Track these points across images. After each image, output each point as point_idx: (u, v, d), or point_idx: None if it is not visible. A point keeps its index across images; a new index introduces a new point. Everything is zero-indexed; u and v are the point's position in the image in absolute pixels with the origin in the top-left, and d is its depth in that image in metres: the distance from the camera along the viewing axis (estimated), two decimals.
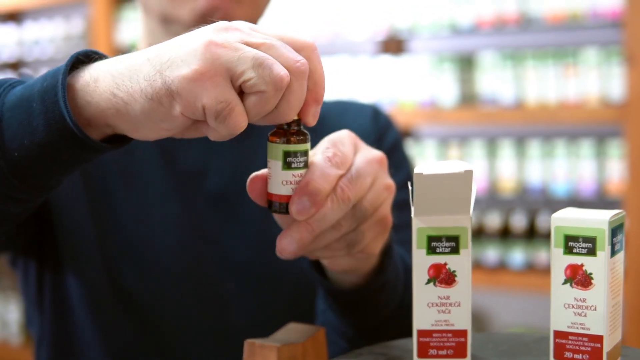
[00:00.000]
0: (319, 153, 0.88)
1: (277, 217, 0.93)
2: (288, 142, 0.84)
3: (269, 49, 0.79)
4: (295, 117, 0.83)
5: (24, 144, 0.83)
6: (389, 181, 0.94)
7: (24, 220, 1.16)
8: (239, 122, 0.78)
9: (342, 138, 0.91)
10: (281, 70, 0.77)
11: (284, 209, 0.86)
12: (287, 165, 0.85)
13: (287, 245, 0.88)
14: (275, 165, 0.85)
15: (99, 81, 0.82)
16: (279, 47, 0.79)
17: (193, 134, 0.84)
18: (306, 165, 0.86)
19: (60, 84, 0.82)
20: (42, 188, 0.89)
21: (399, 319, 1.10)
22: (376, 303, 1.06)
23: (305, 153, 0.86)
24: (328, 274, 1.04)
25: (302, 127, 0.85)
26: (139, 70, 0.80)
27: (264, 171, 0.88)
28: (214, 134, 0.81)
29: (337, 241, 0.92)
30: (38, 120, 0.82)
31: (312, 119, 0.83)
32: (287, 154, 0.85)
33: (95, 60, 0.85)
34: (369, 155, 0.91)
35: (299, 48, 0.80)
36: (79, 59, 0.85)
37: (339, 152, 0.89)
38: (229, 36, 0.79)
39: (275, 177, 0.86)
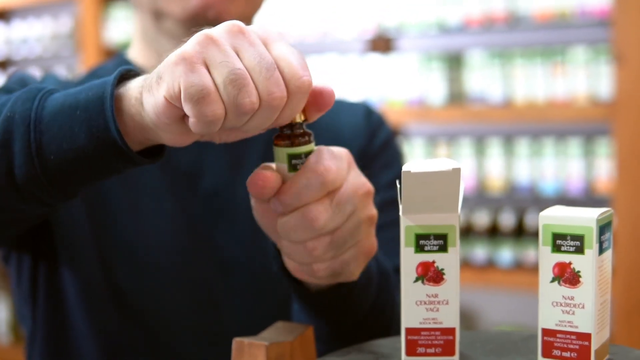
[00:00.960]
0: (314, 161, 0.87)
1: (254, 205, 0.92)
2: (292, 144, 0.85)
3: (253, 70, 0.78)
4: (300, 120, 0.84)
5: (62, 147, 0.85)
6: (373, 212, 0.93)
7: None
8: (214, 109, 0.77)
9: (341, 154, 0.90)
10: (246, 98, 0.77)
11: None
12: (293, 168, 0.86)
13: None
14: (281, 168, 0.86)
15: (135, 98, 0.84)
16: (265, 71, 0.78)
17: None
18: None
19: (108, 94, 0.83)
20: (69, 194, 0.90)
21: (372, 320, 1.09)
22: (347, 306, 1.05)
23: (309, 154, 0.86)
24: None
25: (304, 127, 0.85)
26: (151, 72, 0.82)
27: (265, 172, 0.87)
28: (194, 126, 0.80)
29: (322, 269, 0.91)
30: (80, 127, 0.84)
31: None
32: (291, 157, 0.85)
33: (133, 77, 0.87)
34: (356, 184, 0.90)
35: (288, 79, 0.79)
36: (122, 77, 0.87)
37: (335, 168, 0.88)
38: (229, 38, 0.79)
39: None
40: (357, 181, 0.90)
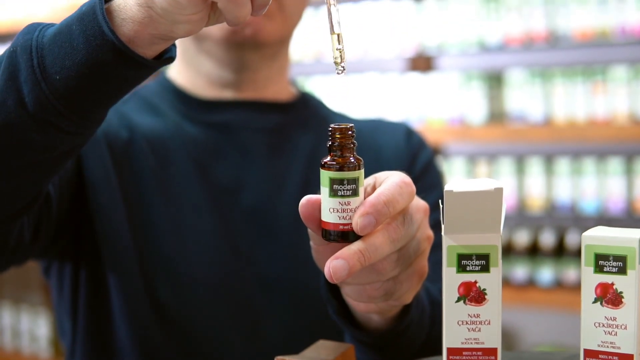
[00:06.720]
0: (394, 176, 0.87)
1: (313, 246, 0.93)
2: (335, 169, 0.83)
3: None
4: (351, 144, 0.83)
5: (65, 65, 0.85)
6: (430, 232, 0.93)
7: (62, 225, 1.17)
8: None
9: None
10: None
11: (331, 236, 0.85)
12: (334, 193, 0.83)
13: (339, 270, 0.82)
14: (324, 192, 0.84)
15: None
16: None
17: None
18: (355, 193, 0.83)
19: (97, 1, 0.84)
20: (86, 117, 0.89)
21: (427, 351, 1.10)
22: (402, 342, 1.06)
23: (353, 181, 0.83)
24: (352, 313, 1.04)
25: (355, 153, 0.84)
26: None
27: (318, 197, 0.86)
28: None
29: (376, 289, 0.91)
30: (78, 39, 0.85)
31: None
32: (333, 182, 0.83)
33: None
34: (417, 203, 0.90)
35: None
36: None
37: (409, 187, 0.88)
38: None
39: (325, 204, 0.84)
40: (416, 201, 0.91)
